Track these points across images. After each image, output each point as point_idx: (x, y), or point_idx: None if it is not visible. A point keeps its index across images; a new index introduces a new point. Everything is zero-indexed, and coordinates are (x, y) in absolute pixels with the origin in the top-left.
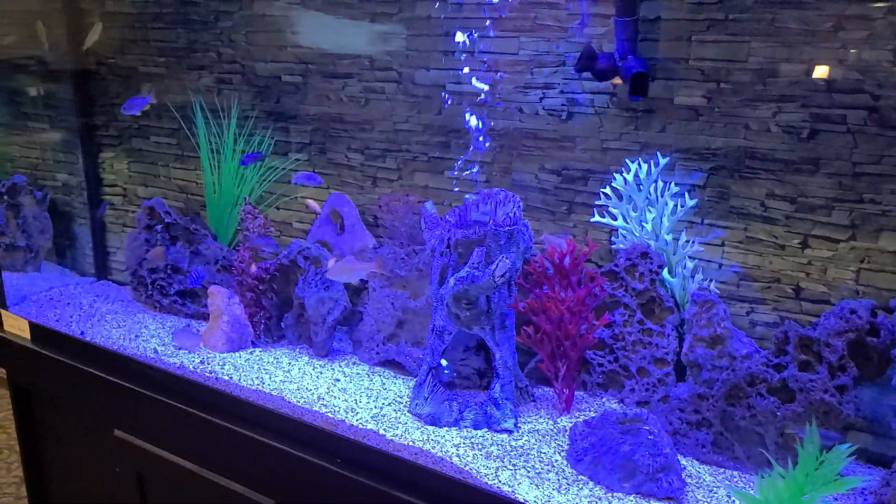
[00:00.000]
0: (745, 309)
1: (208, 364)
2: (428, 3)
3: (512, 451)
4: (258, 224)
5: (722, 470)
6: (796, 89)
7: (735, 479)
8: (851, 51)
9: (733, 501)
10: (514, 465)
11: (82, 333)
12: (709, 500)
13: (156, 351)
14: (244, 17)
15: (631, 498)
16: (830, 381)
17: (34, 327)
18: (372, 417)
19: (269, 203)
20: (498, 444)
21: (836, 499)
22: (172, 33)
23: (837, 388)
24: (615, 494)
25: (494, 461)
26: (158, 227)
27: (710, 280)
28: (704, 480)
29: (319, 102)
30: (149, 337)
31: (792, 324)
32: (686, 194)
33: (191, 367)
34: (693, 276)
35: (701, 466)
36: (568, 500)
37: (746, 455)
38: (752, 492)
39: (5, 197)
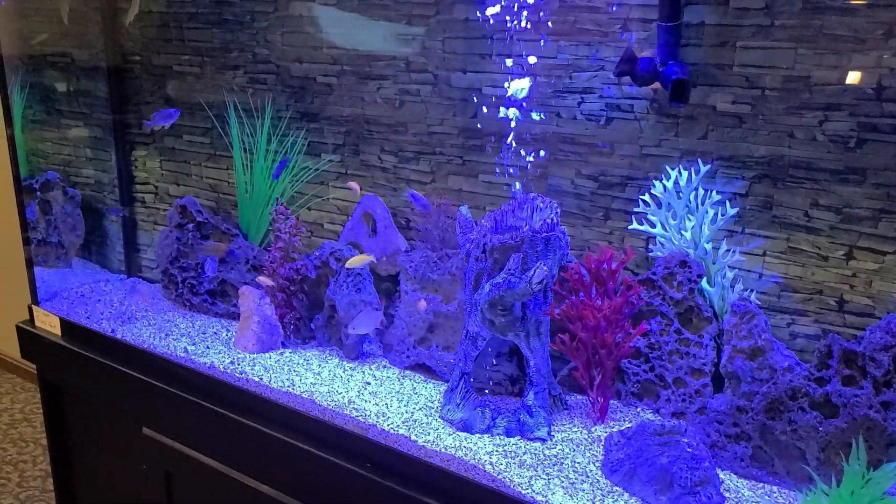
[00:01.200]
0: (786, 321)
1: (238, 364)
2: (465, 6)
3: (545, 459)
4: (290, 224)
5: (761, 485)
6: (844, 98)
7: (774, 495)
8: None
9: None
10: (547, 474)
11: (113, 331)
12: None
13: (186, 350)
14: (280, 17)
15: None
16: (875, 396)
17: (65, 324)
18: (403, 422)
19: (301, 204)
20: (531, 453)
21: None
22: (208, 33)
23: (882, 404)
24: None
25: (528, 470)
26: (190, 226)
27: (751, 290)
28: (743, 495)
29: (354, 104)
30: (179, 336)
31: (836, 337)
32: (727, 203)
33: (221, 367)
34: (733, 287)
35: (739, 480)
36: None
37: (786, 470)
38: None
39: (38, 193)
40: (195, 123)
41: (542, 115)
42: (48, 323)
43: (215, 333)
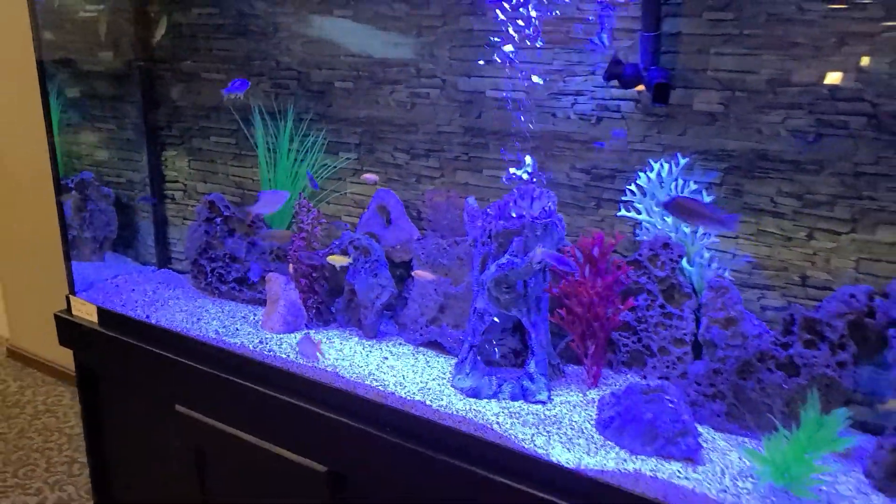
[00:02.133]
0: (757, 295)
1: (267, 344)
2: (469, 18)
3: (546, 419)
4: (312, 216)
5: (734, 436)
6: (803, 98)
7: (745, 444)
8: (853, 63)
9: (742, 462)
10: (548, 431)
11: (147, 317)
12: (722, 461)
13: (217, 332)
14: (300, 28)
15: (653, 459)
16: (832, 357)
17: (101, 312)
18: (419, 390)
19: (321, 199)
20: (533, 414)
21: (837, 460)
22: (234, 42)
23: (838, 363)
24: (639, 457)
25: (530, 428)
26: (218, 220)
27: (725, 269)
28: (719, 445)
29: (369, 106)
30: (210, 319)
31: (798, 307)
32: (703, 191)
33: (251, 346)
34: (709, 265)
35: (716, 433)
36: (597, 462)
37: (756, 424)
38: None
39: (74, 192)
40: (222, 125)
41: (541, 115)
42: (85, 311)
43: (243, 317)
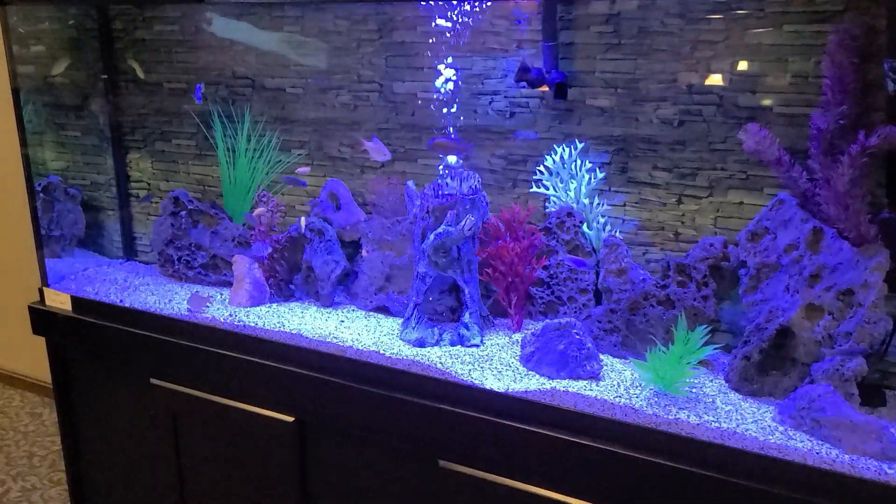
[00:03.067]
0: (642, 251)
1: (235, 317)
2: (402, 32)
3: (480, 358)
4: (271, 206)
5: (628, 360)
6: (668, 92)
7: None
8: (703, 64)
9: (633, 376)
10: (482, 367)
11: (121, 301)
12: (619, 377)
13: (189, 310)
14: (254, 42)
15: (566, 381)
16: (697, 292)
17: (75, 300)
18: (373, 344)
19: (276, 191)
20: (469, 354)
21: (705, 372)
22: (193, 55)
23: (703, 297)
24: (554, 380)
25: (468, 366)
26: (182, 213)
27: (617, 231)
28: (616, 367)
29: (317, 109)
30: (181, 301)
31: (671, 256)
32: (597, 169)
33: (221, 319)
34: (604, 229)
35: (614, 359)
36: (521, 386)
37: (645, 349)
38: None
39: (41, 195)
40: (183, 129)
41: (466, 112)
42: (59, 301)
43: (211, 297)
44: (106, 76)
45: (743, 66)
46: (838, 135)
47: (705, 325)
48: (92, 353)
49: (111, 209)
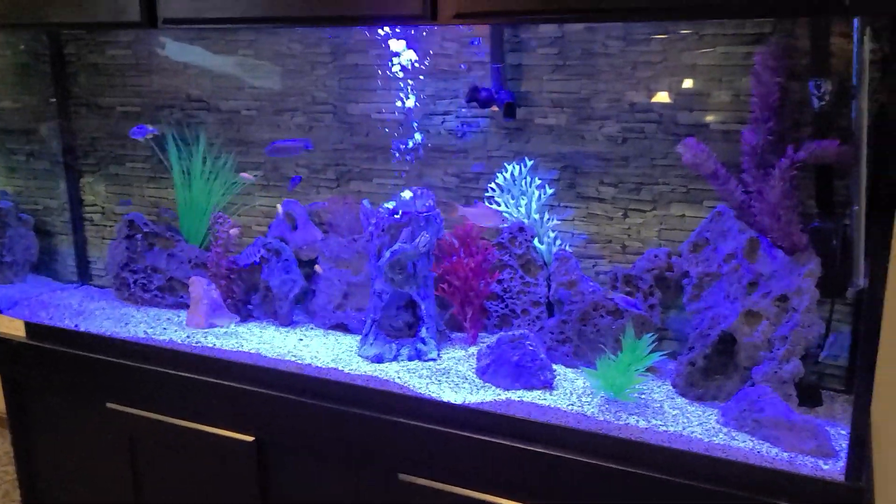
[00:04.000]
0: (591, 263)
1: (193, 338)
2: (355, 55)
3: (437, 371)
4: (227, 226)
5: (580, 369)
6: (611, 111)
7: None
8: (643, 84)
9: (585, 385)
10: (439, 380)
11: (76, 326)
12: (571, 386)
13: (145, 333)
14: (208, 66)
15: (520, 391)
16: (644, 302)
17: (29, 326)
18: (332, 361)
19: (233, 212)
20: (427, 368)
21: (653, 378)
22: (147, 79)
23: (649, 306)
24: (509, 391)
25: (425, 379)
26: (138, 236)
27: (567, 244)
28: (569, 376)
29: (272, 130)
30: (137, 323)
31: (619, 268)
32: (546, 186)
33: (179, 340)
34: (555, 243)
35: (567, 369)
36: (478, 398)
37: (595, 358)
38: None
39: None
40: (137, 152)
41: (419, 131)
42: (12, 327)
43: (168, 319)
44: (58, 100)
45: (681, 85)
46: (768, 149)
47: (652, 333)
48: (46, 380)
49: (65, 233)
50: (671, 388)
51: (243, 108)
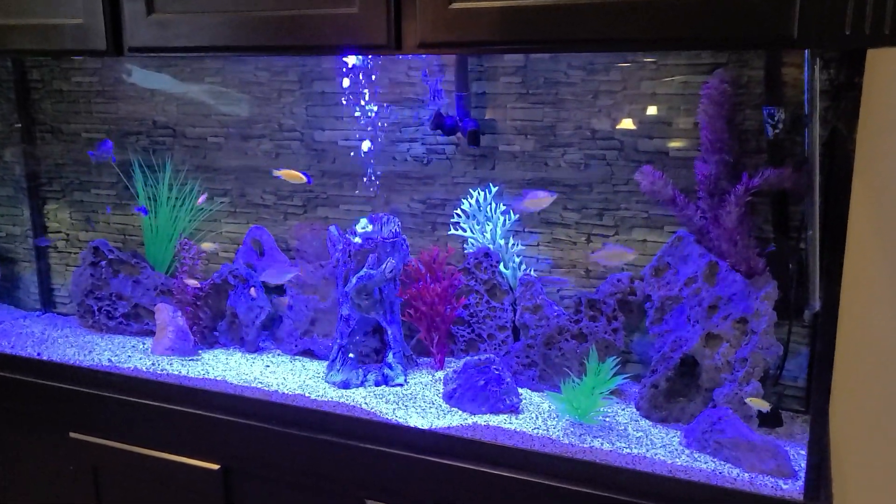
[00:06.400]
0: (556, 287)
1: (158, 366)
2: (322, 82)
3: (404, 397)
4: (193, 254)
5: (546, 393)
6: (574, 138)
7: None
8: (605, 112)
9: (550, 408)
10: (406, 406)
11: (39, 354)
12: (537, 410)
13: (110, 360)
14: (175, 92)
15: (487, 416)
16: (608, 326)
17: None
18: (299, 387)
19: (199, 238)
20: (394, 394)
21: (617, 401)
22: (112, 105)
23: (612, 330)
24: (476, 415)
25: (392, 405)
26: (103, 263)
27: (532, 269)
28: (534, 400)
29: (239, 157)
30: (101, 351)
31: (583, 293)
32: (511, 211)
33: (143, 368)
34: (520, 267)
35: (532, 393)
36: (445, 423)
37: (561, 382)
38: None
39: None
40: (103, 179)
41: (385, 159)
42: None
43: (133, 347)
44: (22, 126)
45: (642, 113)
46: (723, 176)
47: (615, 357)
48: (8, 409)
49: (27, 261)
50: (635, 410)
51: (210, 134)
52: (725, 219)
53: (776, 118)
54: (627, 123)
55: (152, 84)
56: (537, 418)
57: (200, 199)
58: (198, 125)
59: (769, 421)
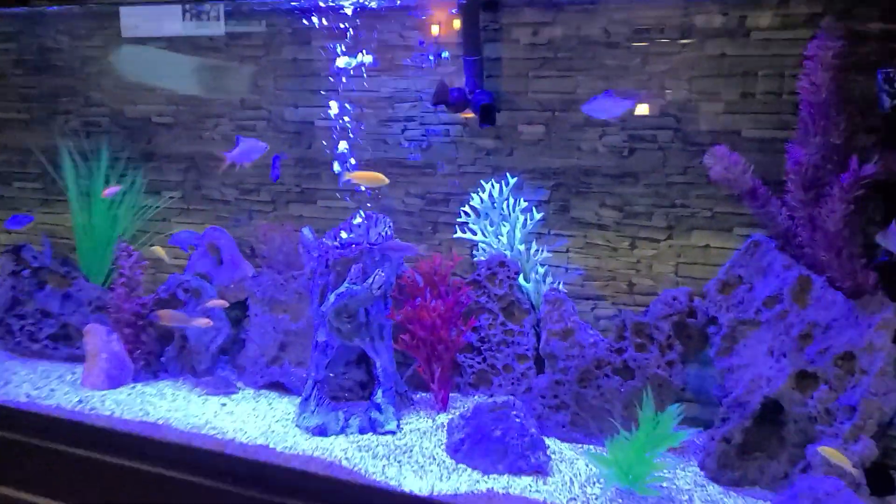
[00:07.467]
0: (590, 305)
1: (87, 403)
2: (292, 47)
3: (396, 449)
4: (132, 261)
5: (580, 445)
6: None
7: (591, 451)
8: (656, 80)
9: (590, 469)
10: (399, 461)
11: None
12: (570, 470)
13: (28, 395)
14: (111, 62)
15: (504, 477)
16: (661, 357)
17: None
18: (261, 434)
19: (144, 242)
20: (384, 445)
21: (673, 455)
22: (35, 79)
23: (667, 363)
24: (490, 476)
25: (381, 460)
26: (25, 272)
27: (559, 282)
28: (566, 455)
29: (192, 142)
30: (19, 383)
31: (628, 312)
32: (534, 209)
33: (69, 406)
34: (544, 280)
35: (562, 444)
36: (449, 486)
37: (599, 429)
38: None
39: None
40: (27, 170)
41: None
42: None
43: (60, 377)
44: None
45: (704, 81)
46: (821, 164)
47: (677, 403)
48: None
49: None
50: (698, 469)
51: (155, 113)
52: (826, 219)
53: None
54: (685, 94)
55: (82, 52)
56: (572, 483)
57: (108, 191)
58: (140, 102)
59: (880, 485)
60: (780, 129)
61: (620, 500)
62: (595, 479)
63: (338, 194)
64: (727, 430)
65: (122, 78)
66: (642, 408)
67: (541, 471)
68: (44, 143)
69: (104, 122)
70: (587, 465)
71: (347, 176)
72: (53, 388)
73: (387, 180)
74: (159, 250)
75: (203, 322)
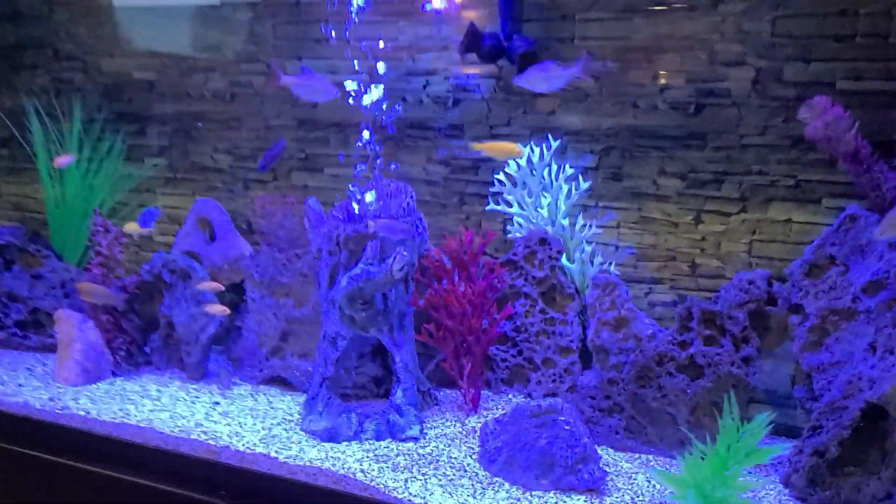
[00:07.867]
0: (644, 290)
1: (59, 401)
2: None
3: (420, 459)
4: (110, 238)
5: (637, 455)
6: (680, 64)
7: (651, 464)
8: (732, 22)
9: (653, 486)
10: (423, 474)
11: None
12: (630, 487)
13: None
14: (85, 7)
15: (551, 494)
16: (736, 353)
17: None
18: (260, 440)
19: (125, 216)
20: (405, 454)
21: (752, 471)
22: None
23: (743, 359)
24: (534, 493)
25: (403, 472)
26: None
27: (610, 263)
28: (622, 467)
29: (178, 100)
30: None
31: (694, 299)
32: (580, 177)
33: (38, 405)
34: (592, 261)
35: (616, 454)
36: None
37: (659, 437)
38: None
39: None
40: None
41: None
42: None
43: (29, 369)
44: None
45: (789, 23)
46: None
47: (767, 414)
48: None
49: None
50: (781, 487)
51: (136, 68)
52: None
53: None
54: (765, 39)
55: None
56: None
57: (61, 161)
58: (118, 54)
59: None
60: (885, 79)
61: None
62: (661, 500)
63: (348, 161)
64: (821, 441)
65: (97, 26)
66: (722, 414)
67: (595, 488)
68: (8, 103)
69: (77, 79)
70: (649, 482)
71: (477, 147)
72: (21, 384)
73: (522, 152)
74: (133, 226)
75: (217, 309)
